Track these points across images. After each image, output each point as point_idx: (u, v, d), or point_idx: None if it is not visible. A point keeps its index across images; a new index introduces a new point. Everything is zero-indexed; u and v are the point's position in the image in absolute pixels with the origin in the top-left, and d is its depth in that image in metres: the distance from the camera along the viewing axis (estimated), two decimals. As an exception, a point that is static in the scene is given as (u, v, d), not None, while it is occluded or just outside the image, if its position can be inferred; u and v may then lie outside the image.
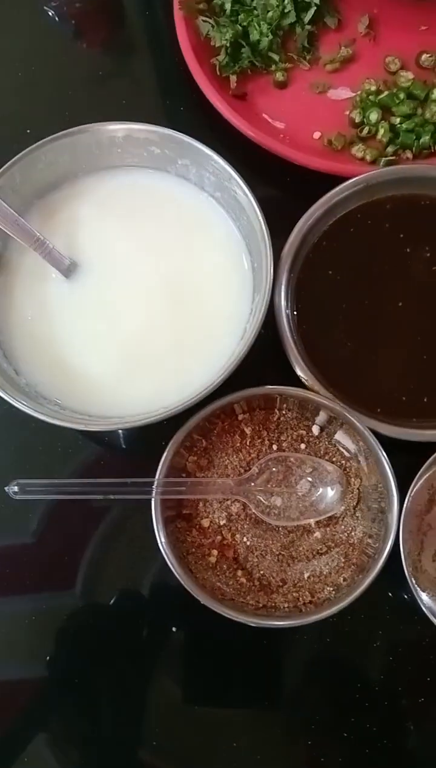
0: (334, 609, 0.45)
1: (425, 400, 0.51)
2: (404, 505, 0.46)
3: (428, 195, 0.53)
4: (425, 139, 0.56)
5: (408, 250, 0.53)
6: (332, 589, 0.48)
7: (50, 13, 0.63)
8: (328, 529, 0.50)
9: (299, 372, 0.49)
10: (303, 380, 0.49)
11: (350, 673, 0.51)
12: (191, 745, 0.51)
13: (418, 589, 0.46)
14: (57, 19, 0.64)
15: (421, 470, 0.47)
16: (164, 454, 0.48)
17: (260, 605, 0.48)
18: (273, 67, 0.59)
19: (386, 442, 0.48)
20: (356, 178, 0.52)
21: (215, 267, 0.51)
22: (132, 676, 0.52)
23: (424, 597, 0.47)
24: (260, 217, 0.47)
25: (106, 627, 0.53)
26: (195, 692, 0.52)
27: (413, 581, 0.46)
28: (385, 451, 0.47)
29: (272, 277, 0.46)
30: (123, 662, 0.52)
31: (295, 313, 0.52)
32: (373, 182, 0.53)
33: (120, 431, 0.55)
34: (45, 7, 0.63)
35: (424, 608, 0.45)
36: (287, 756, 0.51)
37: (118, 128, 0.49)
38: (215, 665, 0.52)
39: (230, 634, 0.48)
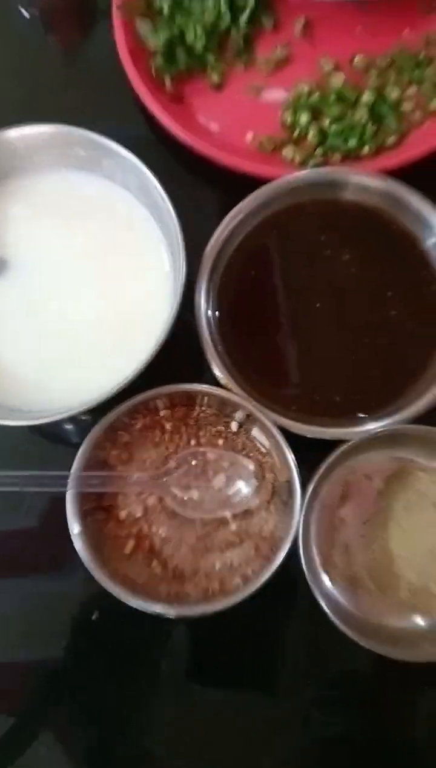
0: (237, 598, 0.47)
1: (337, 399, 0.52)
2: (306, 498, 0.48)
3: (350, 198, 0.55)
4: (353, 142, 0.57)
5: (328, 252, 0.54)
6: (240, 580, 0.50)
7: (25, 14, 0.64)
8: (243, 522, 0.52)
9: (215, 371, 0.51)
10: (219, 379, 0.51)
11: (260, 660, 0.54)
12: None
13: (314, 583, 0.48)
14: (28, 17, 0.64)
15: (323, 465, 0.48)
16: (81, 449, 0.49)
17: (172, 593, 0.50)
18: (209, 69, 0.60)
19: (303, 439, 0.50)
20: (280, 180, 0.54)
21: (137, 268, 0.53)
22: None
23: (326, 586, 0.49)
24: (174, 218, 0.48)
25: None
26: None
27: (311, 574, 0.48)
28: (297, 448, 0.49)
29: (184, 278, 0.48)
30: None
31: (217, 313, 0.53)
32: (296, 185, 0.54)
33: (67, 426, 0.57)
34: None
35: (319, 598, 0.47)
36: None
37: (41, 130, 0.51)
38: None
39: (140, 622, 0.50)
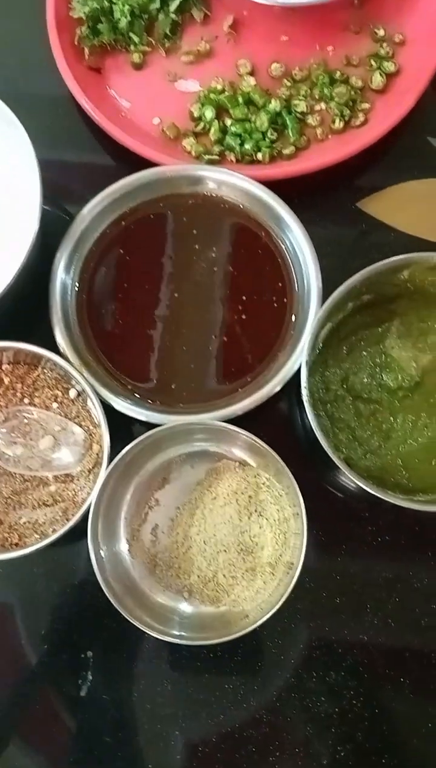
0: (25, 551, 0.49)
1: (173, 386, 0.54)
2: (108, 471, 0.50)
3: (229, 199, 0.56)
4: (248, 146, 0.58)
5: (197, 246, 0.56)
6: (39, 536, 0.52)
7: None
8: (63, 485, 0.54)
9: (57, 336, 0.53)
10: (58, 345, 0.53)
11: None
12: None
13: (95, 552, 0.49)
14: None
15: (129, 446, 0.50)
16: None
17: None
18: (132, 48, 0.62)
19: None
20: (162, 167, 0.55)
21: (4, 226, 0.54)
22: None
23: (101, 557, 0.50)
24: (38, 180, 0.50)
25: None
26: None
27: (93, 543, 0.49)
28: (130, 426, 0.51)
29: (32, 241, 0.49)
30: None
31: (77, 283, 0.55)
32: (178, 175, 0.56)
33: None
34: None
35: (97, 571, 0.49)
36: None
37: None
38: None
39: None
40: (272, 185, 0.56)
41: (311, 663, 0.54)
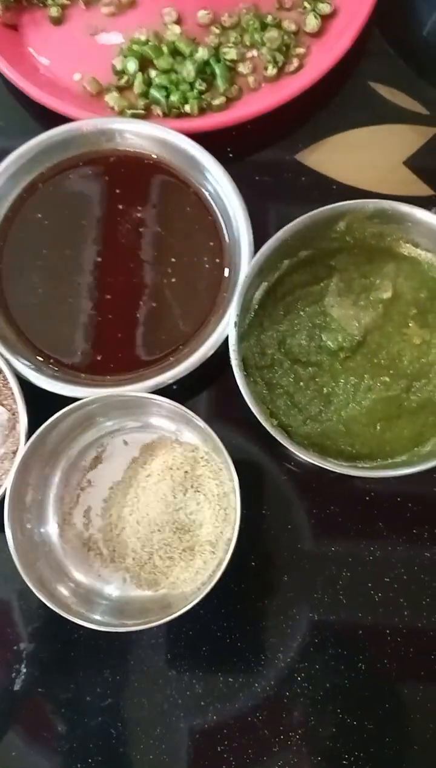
0: None
1: (99, 358, 0.51)
2: (26, 449, 0.46)
3: (153, 154, 0.52)
4: (175, 98, 0.55)
5: (121, 207, 0.52)
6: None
7: None
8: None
9: (-31, 308, 0.50)
10: (-29, 317, 0.49)
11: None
12: None
13: (12, 536, 0.46)
14: None
15: (49, 421, 0.47)
16: None
17: None
18: (50, 2, 0.58)
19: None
20: (77, 123, 0.52)
21: None
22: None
23: (19, 539, 0.46)
24: None
25: None
26: None
27: (10, 523, 0.46)
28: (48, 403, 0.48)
29: None
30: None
31: (-6, 248, 0.51)
32: (95, 130, 0.52)
33: None
34: None
35: (15, 557, 0.46)
36: None
37: None
38: None
39: None
40: (205, 139, 0.52)
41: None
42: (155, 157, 0.52)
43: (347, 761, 0.49)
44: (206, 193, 0.52)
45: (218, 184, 0.51)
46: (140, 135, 0.52)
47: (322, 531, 0.52)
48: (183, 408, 0.47)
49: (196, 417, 0.46)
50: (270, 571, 0.51)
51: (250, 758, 0.49)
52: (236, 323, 0.46)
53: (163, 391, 0.49)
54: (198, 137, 0.53)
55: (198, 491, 0.50)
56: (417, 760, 0.50)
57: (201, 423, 0.46)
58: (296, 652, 0.50)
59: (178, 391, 0.51)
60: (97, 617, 0.47)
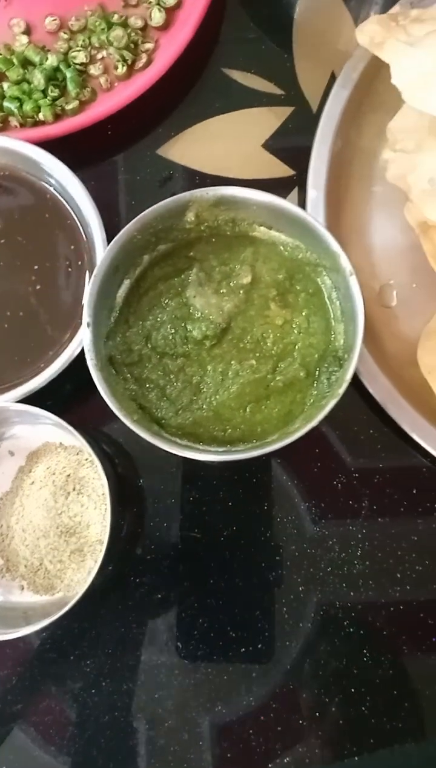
0: None
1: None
2: None
3: (3, 164, 0.53)
4: (28, 107, 0.55)
5: (-18, 219, 0.53)
6: None
7: None
8: None
9: None
10: None
11: None
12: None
13: None
14: None
15: None
16: None
17: None
18: None
19: None
20: None
21: None
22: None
23: None
24: None
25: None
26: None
27: None
28: None
29: None
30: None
31: None
32: None
33: None
34: None
35: None
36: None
37: None
38: None
39: None
40: (67, 145, 0.53)
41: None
42: (7, 165, 0.53)
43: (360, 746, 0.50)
44: (63, 198, 0.52)
45: (73, 188, 0.51)
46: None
47: (318, 516, 0.53)
48: (47, 413, 0.47)
49: (57, 418, 0.47)
50: (272, 563, 0.52)
51: (267, 746, 0.50)
52: (88, 323, 0.46)
53: (55, 396, 0.50)
54: (58, 144, 0.53)
55: (81, 493, 0.50)
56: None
57: (65, 424, 0.47)
58: (305, 639, 0.51)
59: (72, 394, 0.52)
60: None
